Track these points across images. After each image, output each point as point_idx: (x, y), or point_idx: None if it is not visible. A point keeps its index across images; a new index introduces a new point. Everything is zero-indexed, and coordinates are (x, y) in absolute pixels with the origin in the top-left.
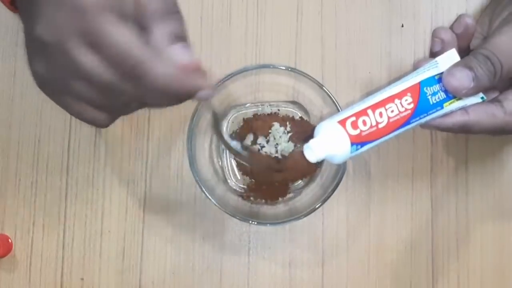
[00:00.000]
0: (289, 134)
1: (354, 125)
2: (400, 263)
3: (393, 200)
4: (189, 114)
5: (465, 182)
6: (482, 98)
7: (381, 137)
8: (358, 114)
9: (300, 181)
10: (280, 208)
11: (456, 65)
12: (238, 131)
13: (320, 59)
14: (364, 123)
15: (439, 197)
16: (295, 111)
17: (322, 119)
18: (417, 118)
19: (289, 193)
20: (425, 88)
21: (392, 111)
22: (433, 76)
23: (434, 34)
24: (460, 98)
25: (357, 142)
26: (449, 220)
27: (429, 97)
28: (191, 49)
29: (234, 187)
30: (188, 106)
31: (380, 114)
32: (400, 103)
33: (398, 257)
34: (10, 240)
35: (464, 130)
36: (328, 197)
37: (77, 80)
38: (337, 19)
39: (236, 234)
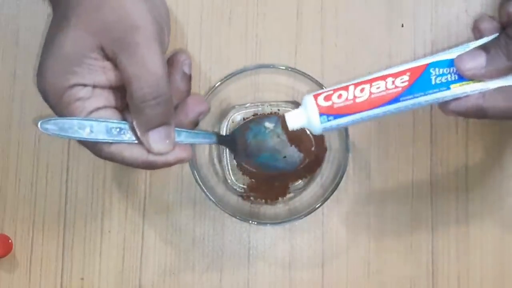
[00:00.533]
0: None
1: (328, 98)
2: (400, 263)
3: (393, 200)
4: None
5: (465, 182)
6: None
7: (358, 111)
8: (337, 89)
9: (300, 181)
10: (280, 208)
11: (475, 47)
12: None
13: (320, 59)
14: (340, 96)
15: (439, 197)
16: None
17: None
18: (410, 96)
19: (289, 193)
20: (431, 69)
21: (378, 87)
22: (447, 59)
23: (475, 24)
24: (479, 81)
25: (328, 113)
26: (449, 220)
27: (433, 77)
28: (170, 131)
29: (234, 187)
30: None
31: (362, 90)
32: (393, 81)
33: (398, 257)
34: (10, 240)
35: (480, 115)
36: (328, 197)
37: None
38: (337, 19)
39: (236, 234)
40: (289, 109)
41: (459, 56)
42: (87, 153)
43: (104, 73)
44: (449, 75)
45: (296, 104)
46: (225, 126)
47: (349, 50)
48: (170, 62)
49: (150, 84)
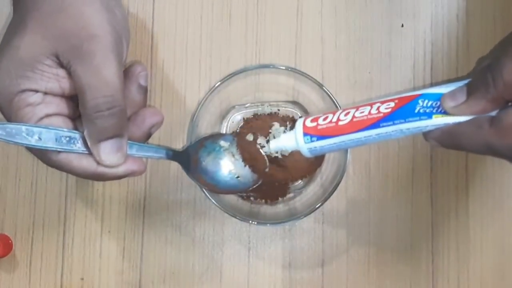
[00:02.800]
0: None
1: (314, 120)
2: (400, 263)
3: (393, 200)
4: (189, 114)
5: (465, 182)
6: None
7: (340, 134)
8: (327, 113)
9: (300, 181)
10: (280, 208)
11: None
12: (238, 131)
13: (320, 59)
14: (325, 118)
15: (439, 197)
16: (295, 111)
17: None
18: (390, 123)
19: (289, 193)
20: (420, 100)
21: (362, 112)
22: (439, 93)
23: None
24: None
25: (311, 133)
26: (449, 220)
27: (418, 107)
28: (122, 143)
29: None
30: (188, 106)
31: (347, 113)
32: (378, 107)
33: (398, 257)
34: (10, 240)
35: (454, 142)
36: (328, 197)
37: None
38: (337, 19)
39: (236, 234)
40: (294, 111)
41: (445, 94)
42: None
43: (57, 81)
44: (435, 108)
45: (296, 104)
46: (225, 126)
47: (349, 50)
48: (126, 74)
49: (104, 94)
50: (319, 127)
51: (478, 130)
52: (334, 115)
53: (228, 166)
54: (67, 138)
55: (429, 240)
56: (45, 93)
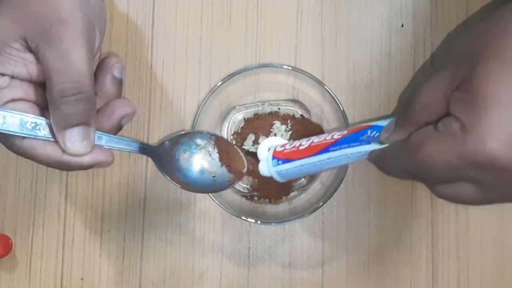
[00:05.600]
0: (290, 133)
1: (284, 146)
2: (400, 263)
3: (393, 200)
4: (189, 114)
5: None
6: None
7: (299, 158)
8: (297, 141)
9: (303, 179)
10: (284, 207)
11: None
12: (239, 131)
13: (320, 59)
14: (291, 144)
15: None
16: (295, 109)
17: (322, 117)
18: (337, 147)
19: (293, 191)
20: (370, 130)
21: (320, 138)
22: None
23: None
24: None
25: (278, 157)
26: (449, 220)
27: (366, 135)
28: (89, 132)
29: (237, 187)
30: (188, 106)
31: (308, 140)
32: (333, 135)
33: (398, 257)
34: (10, 240)
35: (380, 165)
36: (331, 195)
37: None
38: (337, 19)
39: (236, 234)
40: (295, 109)
41: (384, 127)
42: None
43: (25, 65)
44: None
45: (297, 102)
46: (226, 127)
47: (349, 50)
48: (100, 65)
49: (71, 79)
50: (285, 151)
51: (397, 153)
52: (299, 141)
53: (203, 165)
54: (32, 124)
55: (429, 240)
56: (12, 77)
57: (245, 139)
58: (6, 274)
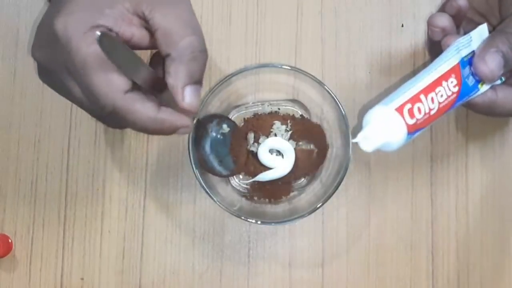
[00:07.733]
0: (290, 132)
1: (411, 113)
2: (400, 263)
3: (393, 200)
4: None
5: (465, 182)
6: (501, 79)
7: (430, 123)
8: (413, 101)
9: (303, 179)
10: (283, 206)
11: (487, 47)
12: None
13: (320, 59)
14: (419, 110)
15: (439, 197)
16: (295, 109)
17: (322, 117)
18: (461, 102)
19: (292, 191)
20: (462, 70)
21: (442, 95)
22: (466, 56)
23: (432, 23)
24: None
25: (412, 131)
26: (449, 220)
27: (466, 79)
28: (200, 91)
29: (237, 187)
30: None
31: (432, 100)
32: (447, 85)
33: (398, 257)
34: (10, 240)
35: (490, 109)
36: (331, 194)
37: (70, 80)
38: (337, 19)
39: (236, 234)
40: (294, 109)
41: (482, 63)
42: (87, 153)
43: (129, 26)
44: (471, 76)
45: (296, 102)
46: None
47: (349, 50)
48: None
49: (198, 36)
50: (418, 121)
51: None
52: (423, 104)
53: (217, 147)
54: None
55: (429, 240)
56: (117, 34)
57: (245, 138)
58: (6, 274)
